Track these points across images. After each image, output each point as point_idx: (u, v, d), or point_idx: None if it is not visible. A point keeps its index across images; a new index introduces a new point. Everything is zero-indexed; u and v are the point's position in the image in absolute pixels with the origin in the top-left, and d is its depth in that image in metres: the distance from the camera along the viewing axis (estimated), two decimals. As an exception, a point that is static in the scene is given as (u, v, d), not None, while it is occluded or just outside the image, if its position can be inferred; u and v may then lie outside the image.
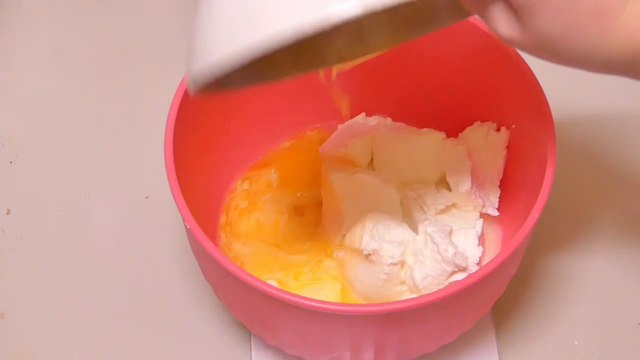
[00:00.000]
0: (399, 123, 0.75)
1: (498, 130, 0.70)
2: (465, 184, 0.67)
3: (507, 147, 0.70)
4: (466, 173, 0.68)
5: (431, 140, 0.69)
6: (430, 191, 0.67)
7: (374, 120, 0.74)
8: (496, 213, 0.69)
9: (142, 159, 0.80)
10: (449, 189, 0.70)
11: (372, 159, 0.72)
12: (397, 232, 0.65)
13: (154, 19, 0.91)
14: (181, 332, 0.72)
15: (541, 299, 0.73)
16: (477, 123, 0.71)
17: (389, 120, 0.74)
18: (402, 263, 0.64)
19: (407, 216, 0.68)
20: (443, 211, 0.68)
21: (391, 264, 0.63)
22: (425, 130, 0.71)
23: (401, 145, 0.69)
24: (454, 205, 0.68)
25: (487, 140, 0.70)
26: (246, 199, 0.73)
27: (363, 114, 0.75)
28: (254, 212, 0.73)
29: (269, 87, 0.72)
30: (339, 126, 0.74)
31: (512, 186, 0.69)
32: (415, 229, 0.66)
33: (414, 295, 0.64)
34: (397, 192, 0.68)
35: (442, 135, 0.70)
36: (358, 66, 0.73)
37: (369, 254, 0.64)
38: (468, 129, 0.71)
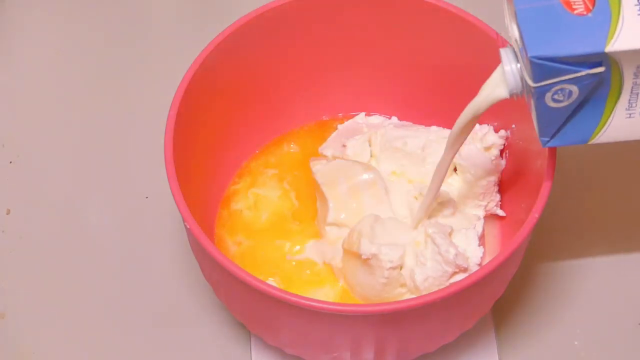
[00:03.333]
0: (405, 122, 0.75)
1: (497, 131, 0.70)
2: (490, 175, 0.67)
3: (507, 147, 0.70)
4: (487, 164, 0.68)
5: (442, 137, 0.69)
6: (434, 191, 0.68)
7: (374, 119, 0.74)
8: (501, 212, 0.69)
9: (142, 159, 0.80)
10: (452, 188, 0.70)
11: (370, 159, 0.72)
12: (396, 234, 0.65)
13: (154, 19, 0.91)
14: (181, 332, 0.72)
15: (541, 299, 0.73)
16: (476, 125, 0.71)
17: (394, 119, 0.74)
18: (401, 266, 0.64)
19: (409, 214, 0.68)
20: (445, 210, 0.68)
21: (390, 267, 0.63)
22: (434, 128, 0.71)
23: (408, 140, 0.69)
24: (455, 205, 0.68)
25: (485, 141, 0.70)
26: (249, 176, 0.73)
27: (362, 113, 0.75)
28: (252, 188, 0.73)
29: (270, 84, 0.73)
30: (339, 126, 0.74)
31: (512, 186, 0.69)
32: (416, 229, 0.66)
33: (413, 296, 0.64)
34: (380, 176, 0.68)
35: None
36: (362, 66, 0.74)
37: (368, 258, 0.64)
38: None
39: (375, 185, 0.68)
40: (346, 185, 0.68)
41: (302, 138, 0.76)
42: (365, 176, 0.68)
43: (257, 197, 0.73)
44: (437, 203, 0.68)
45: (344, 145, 0.72)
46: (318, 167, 0.70)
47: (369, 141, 0.72)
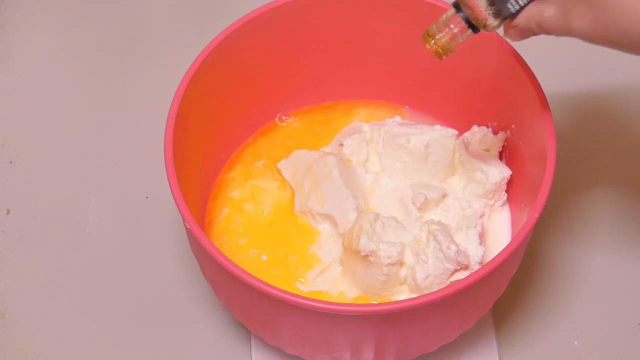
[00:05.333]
0: (407, 121, 0.75)
1: (496, 133, 0.70)
2: (503, 172, 0.68)
3: (507, 148, 0.70)
4: (498, 162, 0.68)
5: (445, 136, 0.69)
6: (436, 189, 0.68)
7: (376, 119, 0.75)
8: (503, 212, 0.69)
9: (142, 159, 0.80)
10: (454, 187, 0.70)
11: (368, 158, 0.72)
12: (396, 233, 0.65)
13: (153, 19, 0.91)
14: (181, 332, 0.72)
15: (541, 299, 0.73)
16: (475, 127, 0.71)
17: (398, 118, 0.75)
18: (400, 263, 0.64)
19: (409, 214, 0.68)
20: (446, 210, 0.68)
21: (389, 264, 0.63)
22: (437, 126, 0.71)
23: (412, 138, 0.70)
24: (459, 203, 0.69)
25: (485, 142, 0.70)
26: (245, 165, 0.74)
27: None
28: (249, 180, 0.73)
29: (271, 81, 0.73)
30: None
31: (512, 186, 0.69)
32: (416, 228, 0.66)
33: (414, 295, 0.64)
34: (336, 163, 0.69)
35: (455, 132, 0.70)
36: (362, 65, 0.74)
37: (367, 255, 0.64)
38: (466, 134, 0.71)
39: (331, 172, 0.68)
40: (305, 174, 0.70)
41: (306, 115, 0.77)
42: (320, 163, 0.69)
43: (255, 170, 0.74)
44: (446, 202, 0.69)
45: (341, 144, 0.72)
46: (282, 163, 0.72)
47: (371, 139, 0.72)
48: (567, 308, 0.73)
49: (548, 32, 0.53)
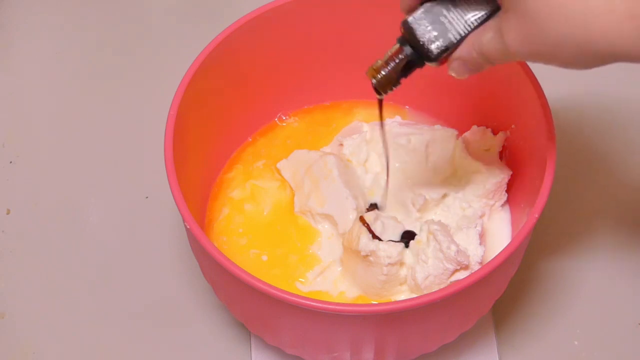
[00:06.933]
0: (408, 121, 0.75)
1: (496, 133, 0.70)
2: (503, 172, 0.68)
3: (507, 147, 0.70)
4: (498, 162, 0.68)
5: (445, 136, 0.69)
6: (436, 189, 0.68)
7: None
8: (503, 212, 0.69)
9: (142, 159, 0.80)
10: (454, 187, 0.70)
11: (368, 158, 0.72)
12: (397, 232, 0.65)
13: (153, 19, 0.91)
14: (181, 332, 0.72)
15: (541, 299, 0.73)
16: (475, 127, 0.71)
17: (398, 118, 0.75)
18: (400, 263, 0.64)
19: (408, 214, 0.68)
20: (446, 210, 0.68)
21: (389, 264, 0.63)
22: (437, 126, 0.71)
23: (412, 138, 0.70)
24: (459, 203, 0.69)
25: (485, 143, 0.70)
26: (245, 165, 0.74)
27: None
28: (249, 180, 0.73)
29: (271, 81, 0.73)
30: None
31: (512, 186, 0.69)
32: (416, 228, 0.66)
33: (414, 295, 0.64)
34: (335, 163, 0.69)
35: (455, 132, 0.70)
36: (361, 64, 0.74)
37: (367, 255, 0.64)
38: (466, 134, 0.71)
39: (331, 172, 0.69)
40: (305, 174, 0.70)
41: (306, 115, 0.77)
42: (320, 163, 0.69)
43: (256, 170, 0.74)
44: (445, 203, 0.68)
45: (341, 144, 0.72)
46: (282, 163, 0.72)
47: (371, 139, 0.72)
48: (567, 308, 0.73)
49: (491, 60, 0.51)
